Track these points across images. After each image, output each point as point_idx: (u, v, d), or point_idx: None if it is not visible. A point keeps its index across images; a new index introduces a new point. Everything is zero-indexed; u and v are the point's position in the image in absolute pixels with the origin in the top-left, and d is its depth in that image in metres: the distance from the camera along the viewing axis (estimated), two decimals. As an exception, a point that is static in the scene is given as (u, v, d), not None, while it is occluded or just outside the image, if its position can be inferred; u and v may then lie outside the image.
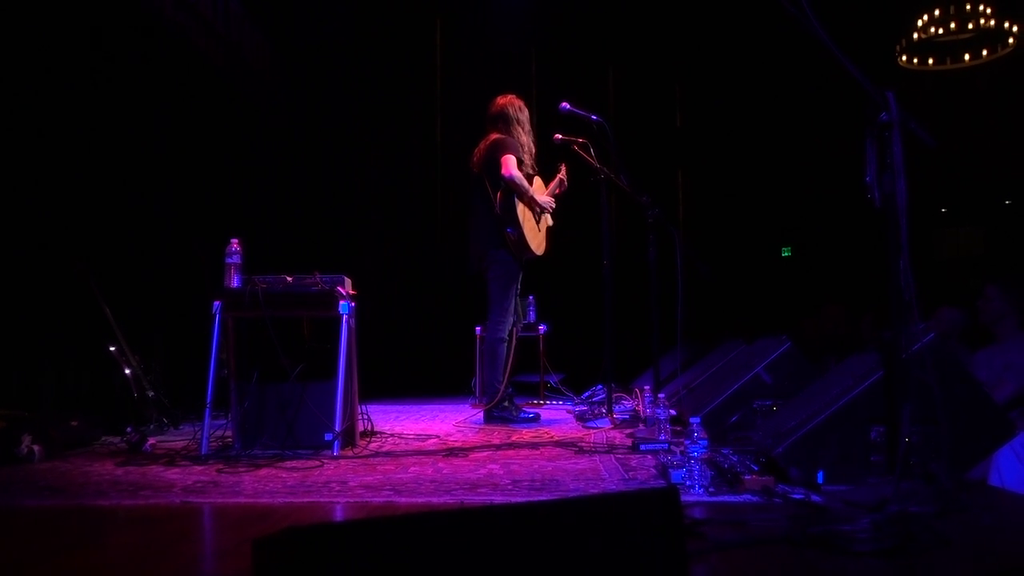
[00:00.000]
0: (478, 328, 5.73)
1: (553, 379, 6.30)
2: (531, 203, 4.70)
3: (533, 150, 4.79)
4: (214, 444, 3.48)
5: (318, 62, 7.73)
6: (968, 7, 8.31)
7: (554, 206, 4.90)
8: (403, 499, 2.45)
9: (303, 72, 7.56)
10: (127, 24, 4.86)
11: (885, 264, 2.32)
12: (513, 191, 4.57)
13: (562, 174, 5.03)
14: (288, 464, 3.13)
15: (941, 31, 8.42)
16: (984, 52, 8.63)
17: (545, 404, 5.90)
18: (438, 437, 4.04)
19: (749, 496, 2.35)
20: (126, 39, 4.86)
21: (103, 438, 3.84)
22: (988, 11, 8.30)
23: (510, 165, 4.52)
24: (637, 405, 4.54)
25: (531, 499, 2.43)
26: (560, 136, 4.79)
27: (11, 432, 3.20)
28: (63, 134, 4.38)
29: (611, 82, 9.52)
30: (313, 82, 7.70)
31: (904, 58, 8.92)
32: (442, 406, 5.91)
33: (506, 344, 4.67)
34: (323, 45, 7.73)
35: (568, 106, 4.62)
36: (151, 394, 4.24)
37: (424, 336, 8.19)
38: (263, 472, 2.96)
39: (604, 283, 4.70)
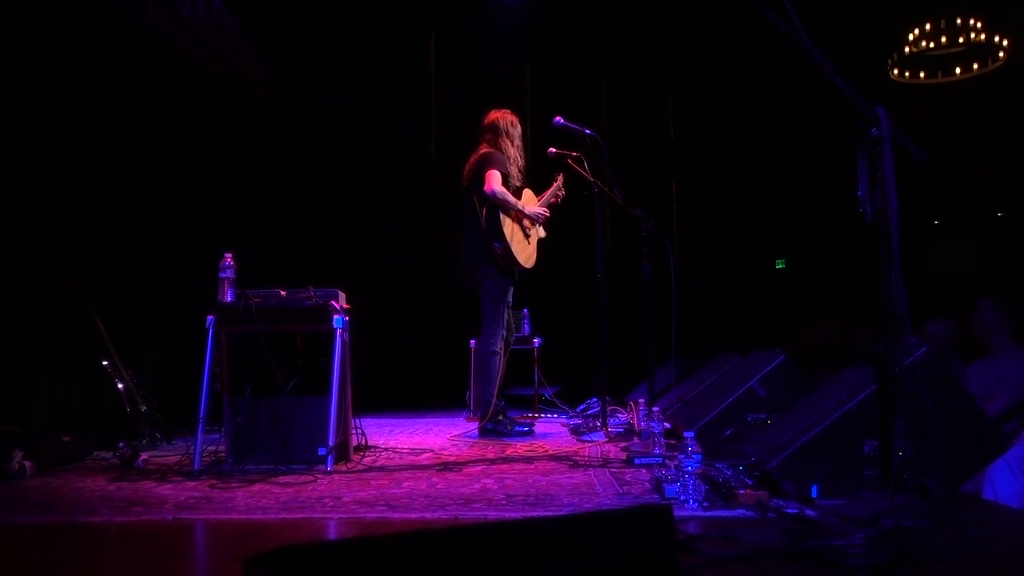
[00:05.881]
0: (472, 341, 5.72)
1: (548, 392, 6.30)
2: (519, 216, 4.70)
3: (521, 163, 4.80)
4: (207, 459, 3.46)
5: (313, 75, 7.74)
6: (959, 21, 8.37)
7: (547, 215, 4.90)
8: (397, 515, 2.44)
9: (298, 85, 7.58)
10: (120, 38, 4.86)
11: (877, 278, 2.33)
12: (498, 206, 4.58)
13: (558, 183, 5.03)
14: (281, 479, 3.11)
15: (932, 45, 8.48)
16: (975, 66, 8.69)
17: (540, 417, 5.89)
18: (432, 451, 4.02)
19: (743, 511, 2.35)
20: (119, 53, 4.86)
21: (95, 453, 3.82)
22: (978, 25, 8.37)
23: (493, 181, 4.53)
24: (632, 418, 4.53)
25: (525, 514, 2.43)
26: (554, 150, 4.80)
27: (2, 448, 3.18)
28: (55, 146, 4.37)
29: (605, 94, 9.57)
30: (308, 95, 7.72)
31: (895, 72, 8.98)
32: (436, 419, 5.90)
33: (499, 357, 4.67)
34: (318, 58, 7.76)
35: (561, 120, 4.63)
36: (144, 408, 4.22)
37: (418, 349, 8.18)
38: (256, 487, 2.94)
39: (598, 296, 4.70)
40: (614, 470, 3.26)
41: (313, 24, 7.60)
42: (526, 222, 4.79)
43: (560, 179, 5.04)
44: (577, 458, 3.64)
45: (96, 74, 4.66)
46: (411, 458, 3.79)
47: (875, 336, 5.47)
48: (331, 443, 3.36)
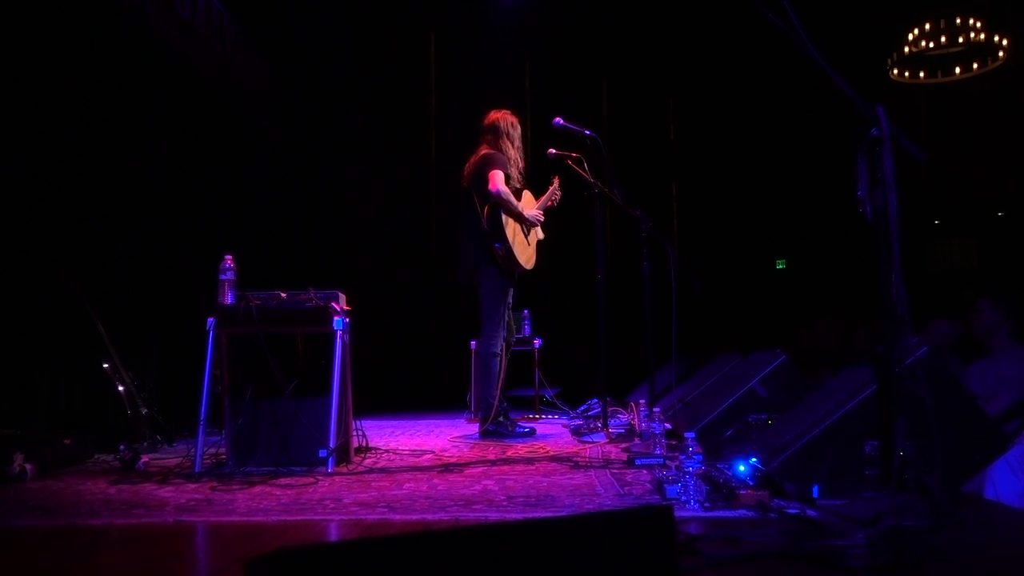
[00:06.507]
0: (473, 342, 5.72)
1: (549, 393, 6.29)
2: (519, 218, 4.71)
3: (521, 165, 4.81)
4: (208, 461, 3.46)
5: (313, 77, 7.75)
6: (958, 21, 8.38)
7: (542, 220, 4.91)
8: (398, 516, 2.44)
9: (298, 87, 7.58)
10: (120, 39, 4.87)
11: (878, 278, 2.33)
12: (500, 206, 4.58)
13: (555, 186, 5.04)
14: (282, 481, 3.11)
15: (932, 45, 8.49)
16: (975, 65, 8.69)
17: (541, 418, 5.89)
18: (433, 453, 4.02)
19: (744, 511, 2.35)
20: (119, 54, 4.86)
21: (96, 456, 3.82)
22: (978, 25, 8.38)
23: (497, 180, 4.53)
24: (632, 419, 4.53)
25: (526, 516, 2.42)
26: (554, 151, 4.80)
27: (3, 451, 3.18)
28: (54, 149, 4.37)
29: (605, 96, 9.56)
30: (308, 97, 7.72)
31: (895, 72, 8.98)
32: (437, 421, 5.90)
33: (499, 358, 4.67)
34: (318, 60, 7.76)
35: (561, 121, 4.64)
36: (144, 411, 4.22)
37: (419, 350, 8.17)
38: (257, 489, 2.94)
39: (598, 297, 4.70)
40: (615, 471, 3.26)
41: (313, 26, 7.60)
42: (526, 224, 4.80)
43: (556, 182, 5.04)
44: (578, 459, 3.64)
45: (96, 75, 4.66)
46: (412, 460, 3.78)
47: (873, 337, 5.47)
48: (332, 445, 3.36)
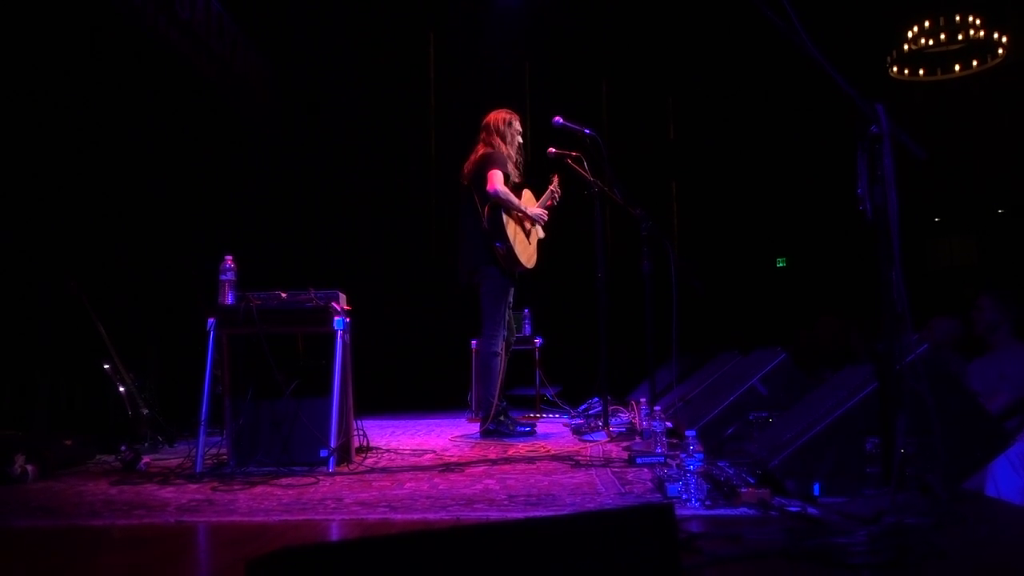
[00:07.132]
0: (473, 342, 5.72)
1: (549, 392, 6.30)
2: (520, 217, 4.71)
3: (518, 160, 4.81)
4: (209, 462, 3.46)
5: (312, 77, 7.75)
6: (958, 18, 8.38)
7: (546, 218, 4.91)
8: (399, 516, 2.44)
9: (297, 86, 7.59)
10: (120, 40, 4.87)
11: (878, 276, 2.33)
12: (500, 206, 4.58)
13: (554, 185, 5.04)
14: (283, 481, 3.11)
15: (931, 42, 8.49)
16: (974, 63, 8.70)
17: (541, 417, 5.89)
18: (434, 452, 4.02)
19: (745, 509, 2.35)
20: (119, 56, 4.86)
21: (97, 457, 3.81)
22: (977, 22, 8.38)
23: (496, 180, 4.53)
24: (633, 418, 4.53)
25: (527, 515, 2.42)
26: (553, 150, 4.80)
27: (4, 452, 3.18)
28: (55, 150, 4.37)
29: (604, 95, 9.57)
30: (307, 97, 7.73)
31: (895, 69, 8.98)
32: (438, 420, 5.90)
33: (500, 358, 4.67)
34: (317, 60, 7.76)
35: (561, 120, 4.64)
36: (145, 412, 4.22)
37: (420, 350, 8.18)
38: (258, 490, 2.94)
39: (598, 296, 4.70)
40: (616, 469, 3.26)
41: (313, 26, 7.60)
42: (526, 222, 4.79)
43: (556, 180, 5.04)
44: (579, 458, 3.64)
45: (96, 76, 4.66)
46: (413, 459, 3.78)
47: (867, 339, 5.48)
48: (333, 445, 3.36)
